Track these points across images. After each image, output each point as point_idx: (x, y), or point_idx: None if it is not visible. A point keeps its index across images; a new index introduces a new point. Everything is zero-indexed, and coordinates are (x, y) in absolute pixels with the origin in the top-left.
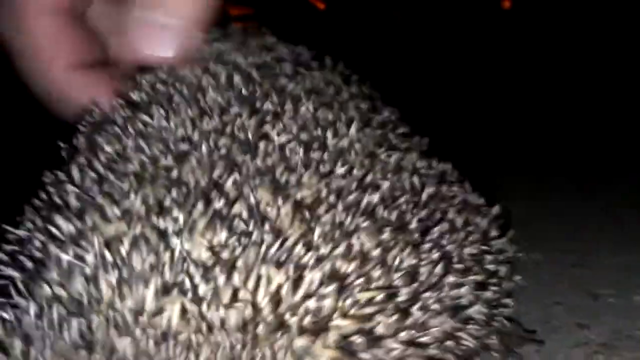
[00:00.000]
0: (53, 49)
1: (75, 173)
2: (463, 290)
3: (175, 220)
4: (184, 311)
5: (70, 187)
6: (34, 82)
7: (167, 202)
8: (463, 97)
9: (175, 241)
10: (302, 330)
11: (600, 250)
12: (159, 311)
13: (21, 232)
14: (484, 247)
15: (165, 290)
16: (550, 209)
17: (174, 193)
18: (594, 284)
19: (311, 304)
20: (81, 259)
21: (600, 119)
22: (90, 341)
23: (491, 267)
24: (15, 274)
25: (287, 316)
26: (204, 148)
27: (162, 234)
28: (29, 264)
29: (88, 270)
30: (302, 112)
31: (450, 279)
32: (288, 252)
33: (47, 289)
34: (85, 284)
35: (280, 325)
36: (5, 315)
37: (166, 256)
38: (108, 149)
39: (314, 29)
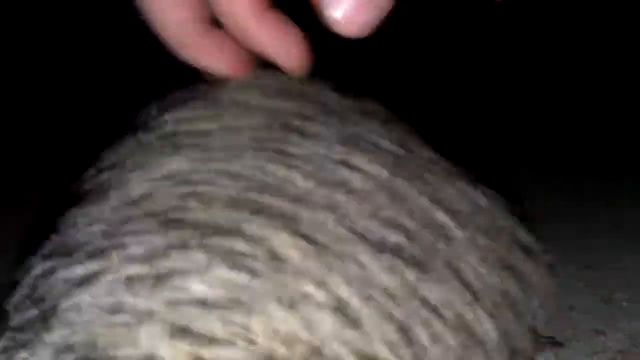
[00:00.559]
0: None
1: None
2: None
3: None
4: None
5: None
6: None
7: None
8: (461, 94)
9: None
10: None
11: (611, 253)
12: None
13: None
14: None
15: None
16: (560, 208)
17: None
18: (607, 287)
19: None
20: None
21: (614, 118)
22: None
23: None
24: None
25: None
26: None
27: None
28: None
29: None
30: None
31: None
32: None
33: None
34: None
35: None
36: None
37: None
38: None
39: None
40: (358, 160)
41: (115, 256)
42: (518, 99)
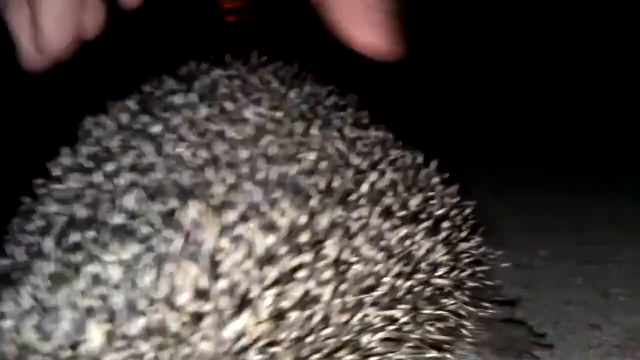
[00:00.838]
0: None
1: None
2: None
3: None
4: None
5: None
6: None
7: None
8: (459, 86)
9: None
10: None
11: (609, 247)
12: None
13: None
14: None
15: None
16: (560, 204)
17: None
18: (604, 282)
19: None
20: None
21: (610, 115)
22: None
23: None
24: None
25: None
26: None
27: None
28: None
29: None
30: None
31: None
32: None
33: None
34: None
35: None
36: None
37: None
38: None
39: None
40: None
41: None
42: (516, 92)
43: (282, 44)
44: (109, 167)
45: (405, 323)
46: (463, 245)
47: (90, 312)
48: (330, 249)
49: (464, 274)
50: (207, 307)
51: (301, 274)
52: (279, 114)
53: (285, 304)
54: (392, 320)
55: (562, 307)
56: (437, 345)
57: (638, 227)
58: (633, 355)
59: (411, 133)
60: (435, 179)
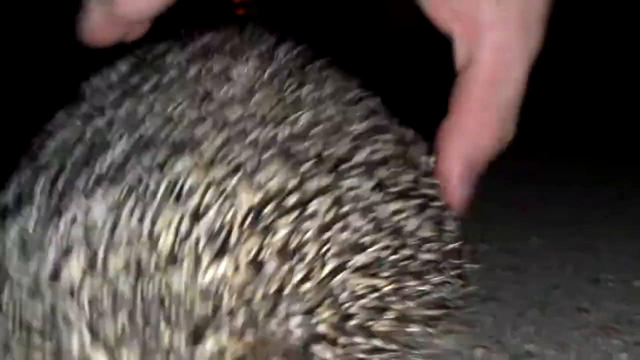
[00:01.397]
0: None
1: None
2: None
3: None
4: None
5: None
6: None
7: None
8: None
9: None
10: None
11: (602, 235)
12: None
13: None
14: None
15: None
16: (554, 193)
17: None
18: (595, 270)
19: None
20: None
21: (605, 105)
22: None
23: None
24: None
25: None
26: None
27: None
28: None
29: None
30: None
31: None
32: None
33: None
34: None
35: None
36: None
37: None
38: None
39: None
40: None
41: None
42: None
43: (291, 37)
44: (101, 121)
45: (388, 294)
46: (450, 226)
47: (71, 249)
48: (315, 208)
49: (448, 249)
50: (185, 250)
51: (284, 230)
52: (268, 71)
53: (264, 253)
54: (375, 289)
55: (550, 291)
56: (420, 321)
57: (630, 220)
58: (618, 337)
59: (407, 111)
60: (429, 159)
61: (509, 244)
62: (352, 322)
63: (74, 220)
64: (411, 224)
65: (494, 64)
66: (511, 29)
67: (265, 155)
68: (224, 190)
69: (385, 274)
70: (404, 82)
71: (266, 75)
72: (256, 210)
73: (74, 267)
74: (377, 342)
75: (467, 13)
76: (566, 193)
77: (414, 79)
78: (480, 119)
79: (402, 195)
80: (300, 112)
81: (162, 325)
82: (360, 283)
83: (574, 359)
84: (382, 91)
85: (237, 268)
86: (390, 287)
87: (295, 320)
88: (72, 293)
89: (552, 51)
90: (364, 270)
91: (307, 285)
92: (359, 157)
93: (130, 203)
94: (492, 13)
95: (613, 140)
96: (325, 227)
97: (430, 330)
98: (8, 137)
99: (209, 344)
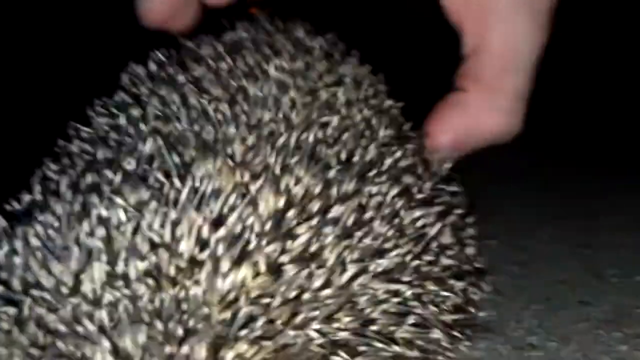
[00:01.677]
0: None
1: None
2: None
3: None
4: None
5: None
6: None
7: None
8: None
9: None
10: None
11: (606, 231)
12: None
13: None
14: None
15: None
16: (559, 190)
17: None
18: (600, 265)
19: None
20: None
21: (608, 100)
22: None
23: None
24: None
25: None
26: None
27: None
28: None
29: None
30: None
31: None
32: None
33: None
34: None
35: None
36: None
37: None
38: None
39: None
40: None
41: None
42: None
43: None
44: (135, 112)
45: (410, 299)
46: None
47: (93, 252)
48: (338, 213)
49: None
50: (205, 255)
51: (305, 235)
52: (299, 65)
53: (284, 258)
54: (396, 294)
55: (554, 285)
56: (442, 327)
57: (633, 215)
58: (620, 330)
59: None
60: (446, 164)
61: (514, 239)
62: (373, 328)
63: (96, 223)
64: (433, 231)
65: (504, 51)
66: (521, 19)
67: (293, 160)
68: (248, 194)
69: (407, 278)
70: (419, 69)
71: (301, 69)
72: (278, 215)
73: (96, 274)
74: (398, 349)
75: (479, 1)
76: (571, 189)
77: (429, 67)
78: (487, 102)
79: (426, 202)
80: (331, 116)
81: (180, 332)
82: (381, 288)
83: (576, 351)
84: (398, 79)
85: (257, 274)
86: (411, 291)
87: (315, 326)
88: (93, 301)
89: (552, 51)
90: (385, 275)
91: (328, 291)
92: (386, 163)
93: (152, 206)
94: (503, 2)
95: (618, 136)
96: (347, 233)
97: (452, 335)
98: (33, 135)
99: (229, 356)
